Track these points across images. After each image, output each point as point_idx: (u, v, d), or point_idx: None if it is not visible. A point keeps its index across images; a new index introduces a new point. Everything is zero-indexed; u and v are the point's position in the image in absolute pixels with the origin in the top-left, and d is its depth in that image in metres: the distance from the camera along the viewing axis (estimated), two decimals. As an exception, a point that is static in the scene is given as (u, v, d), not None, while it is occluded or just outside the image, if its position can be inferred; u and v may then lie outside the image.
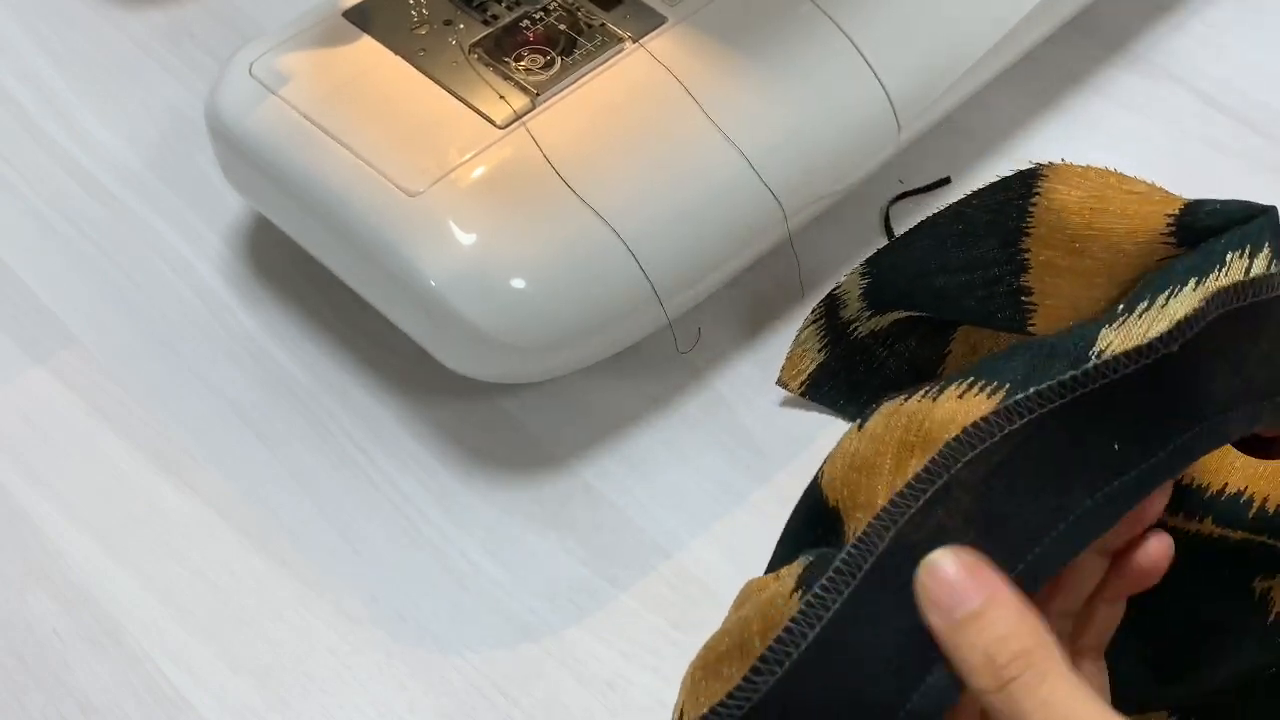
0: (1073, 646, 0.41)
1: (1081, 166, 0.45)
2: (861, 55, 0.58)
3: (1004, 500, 0.37)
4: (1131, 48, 0.69)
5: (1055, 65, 0.68)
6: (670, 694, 0.50)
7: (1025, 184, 0.46)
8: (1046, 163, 0.46)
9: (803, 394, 0.57)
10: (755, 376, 0.58)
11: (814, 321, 0.57)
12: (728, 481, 0.55)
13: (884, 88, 0.58)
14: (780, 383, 0.57)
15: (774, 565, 0.42)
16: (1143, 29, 0.70)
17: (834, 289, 0.57)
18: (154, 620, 0.52)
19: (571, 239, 0.52)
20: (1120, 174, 0.45)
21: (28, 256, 0.63)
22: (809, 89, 0.57)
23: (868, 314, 0.56)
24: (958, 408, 0.38)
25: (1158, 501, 0.40)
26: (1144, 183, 0.45)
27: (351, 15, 0.59)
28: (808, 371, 0.57)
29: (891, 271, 0.54)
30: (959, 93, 0.61)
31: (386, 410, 0.58)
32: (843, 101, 0.57)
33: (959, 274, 0.49)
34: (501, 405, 0.58)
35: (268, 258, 0.62)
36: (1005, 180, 0.47)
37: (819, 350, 0.57)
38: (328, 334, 0.60)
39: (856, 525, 0.39)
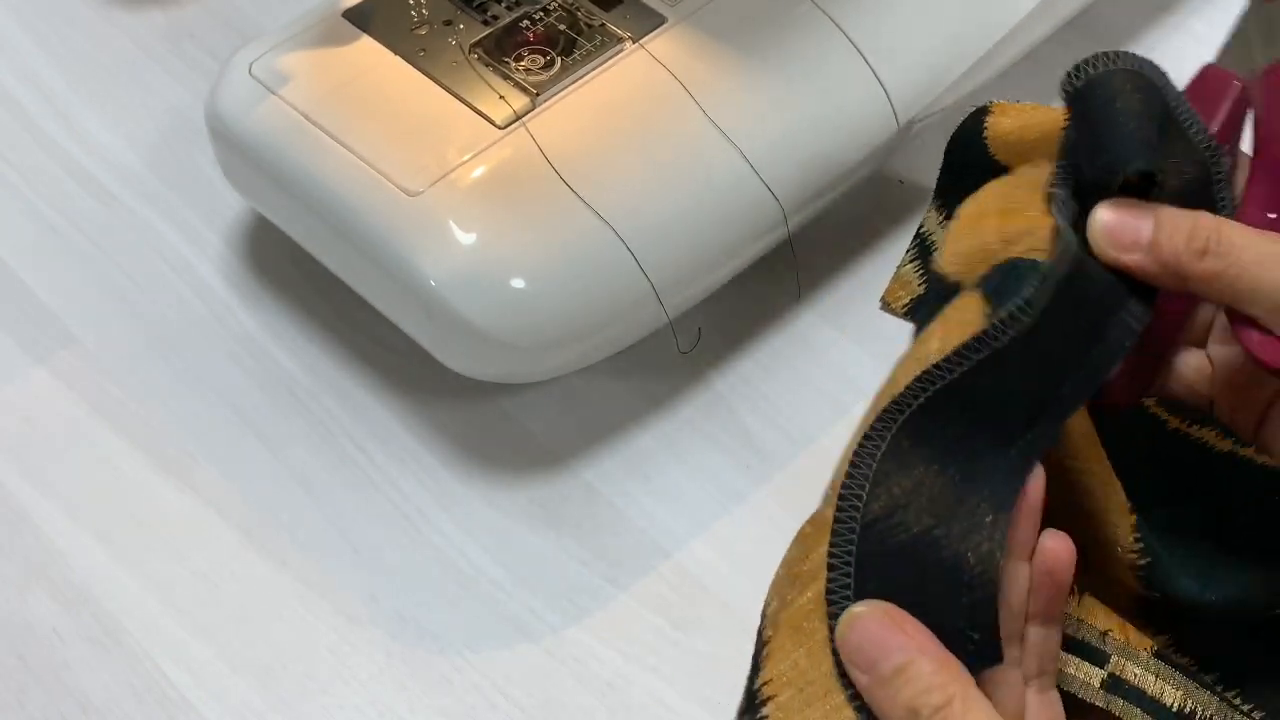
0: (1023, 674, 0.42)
1: (1025, 104, 0.53)
2: (861, 55, 0.58)
3: None
4: (1131, 48, 0.69)
5: (1055, 65, 0.67)
6: (670, 693, 0.51)
7: (977, 120, 0.53)
8: (992, 102, 0.54)
9: (905, 316, 0.58)
10: (755, 376, 0.58)
11: (911, 260, 0.58)
12: (728, 481, 0.55)
13: (884, 88, 0.58)
14: (883, 303, 0.58)
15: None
16: (1143, 29, 0.70)
17: (920, 228, 0.58)
18: (154, 620, 0.52)
19: (571, 239, 0.52)
20: (1053, 108, 0.51)
21: (28, 256, 0.63)
22: (809, 89, 0.57)
23: None
24: (1035, 175, 0.47)
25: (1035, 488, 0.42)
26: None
27: (351, 15, 0.59)
28: (908, 299, 0.58)
29: (959, 194, 0.57)
30: (959, 93, 0.61)
31: (386, 410, 0.58)
32: (843, 101, 0.57)
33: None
34: (501, 405, 0.58)
35: (268, 258, 0.62)
36: (965, 119, 0.54)
37: (919, 285, 0.58)
38: (328, 334, 0.60)
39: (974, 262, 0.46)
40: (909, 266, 0.59)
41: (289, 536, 0.54)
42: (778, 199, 0.55)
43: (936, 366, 0.41)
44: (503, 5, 0.59)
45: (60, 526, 0.55)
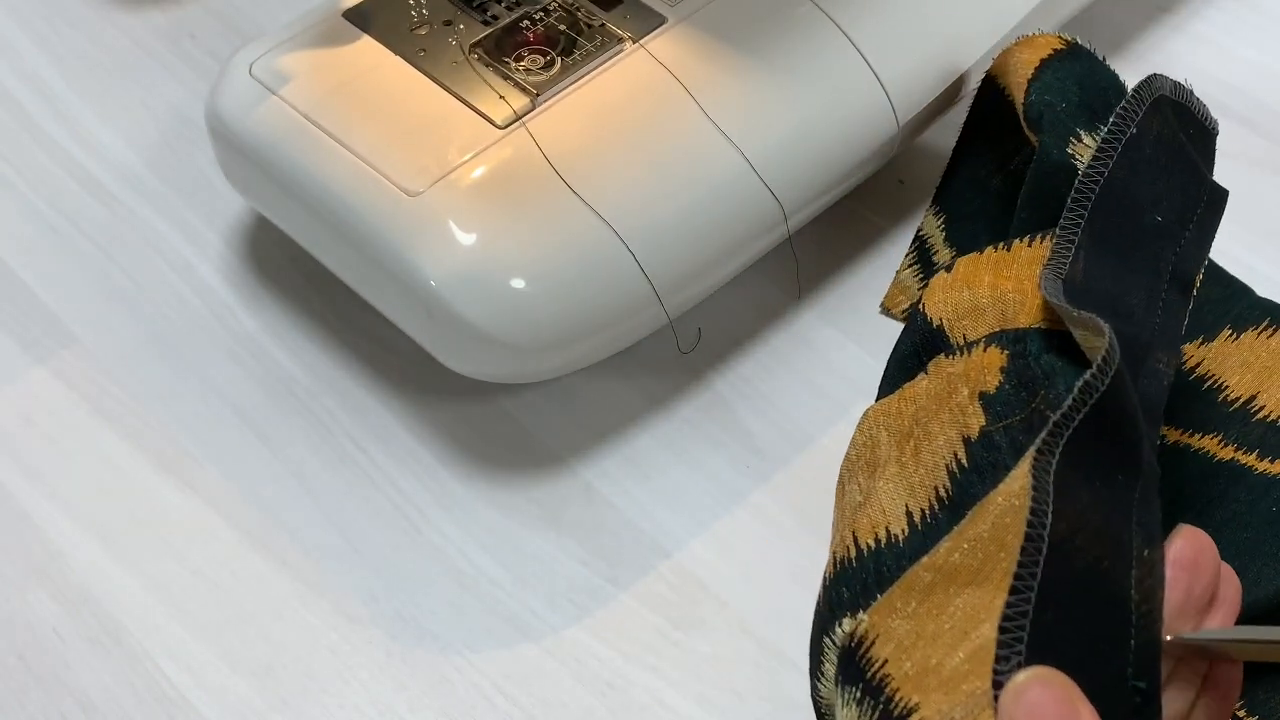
0: None
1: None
2: (861, 55, 0.58)
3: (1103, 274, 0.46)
4: (1131, 48, 0.69)
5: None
6: (670, 693, 0.51)
7: (986, 82, 0.58)
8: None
9: (904, 320, 0.58)
10: (755, 376, 0.58)
11: (910, 265, 0.59)
12: (728, 481, 0.55)
13: (884, 88, 0.58)
14: (883, 308, 0.59)
15: (885, 388, 0.49)
16: (1142, 29, 0.70)
17: (919, 230, 0.59)
18: (154, 620, 0.52)
19: (571, 239, 0.52)
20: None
21: (28, 256, 0.63)
22: (809, 89, 0.57)
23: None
24: (1034, 251, 0.48)
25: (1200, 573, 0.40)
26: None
27: (351, 15, 0.59)
28: (908, 305, 0.59)
29: (957, 198, 0.59)
30: (960, 92, 0.61)
31: (386, 410, 0.58)
32: (843, 101, 0.58)
33: (1000, 168, 0.57)
34: (501, 405, 0.58)
35: (268, 258, 0.62)
36: (978, 89, 0.58)
37: (918, 290, 0.58)
38: (328, 334, 0.60)
39: (964, 329, 0.47)
40: (908, 271, 0.60)
41: (289, 536, 0.54)
42: (778, 199, 0.56)
43: (1086, 384, 0.39)
44: (503, 5, 0.59)
45: (60, 526, 0.55)
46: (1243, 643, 0.39)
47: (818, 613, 0.42)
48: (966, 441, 0.42)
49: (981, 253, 0.50)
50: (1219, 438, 0.50)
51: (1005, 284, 0.47)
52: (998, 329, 0.46)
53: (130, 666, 0.51)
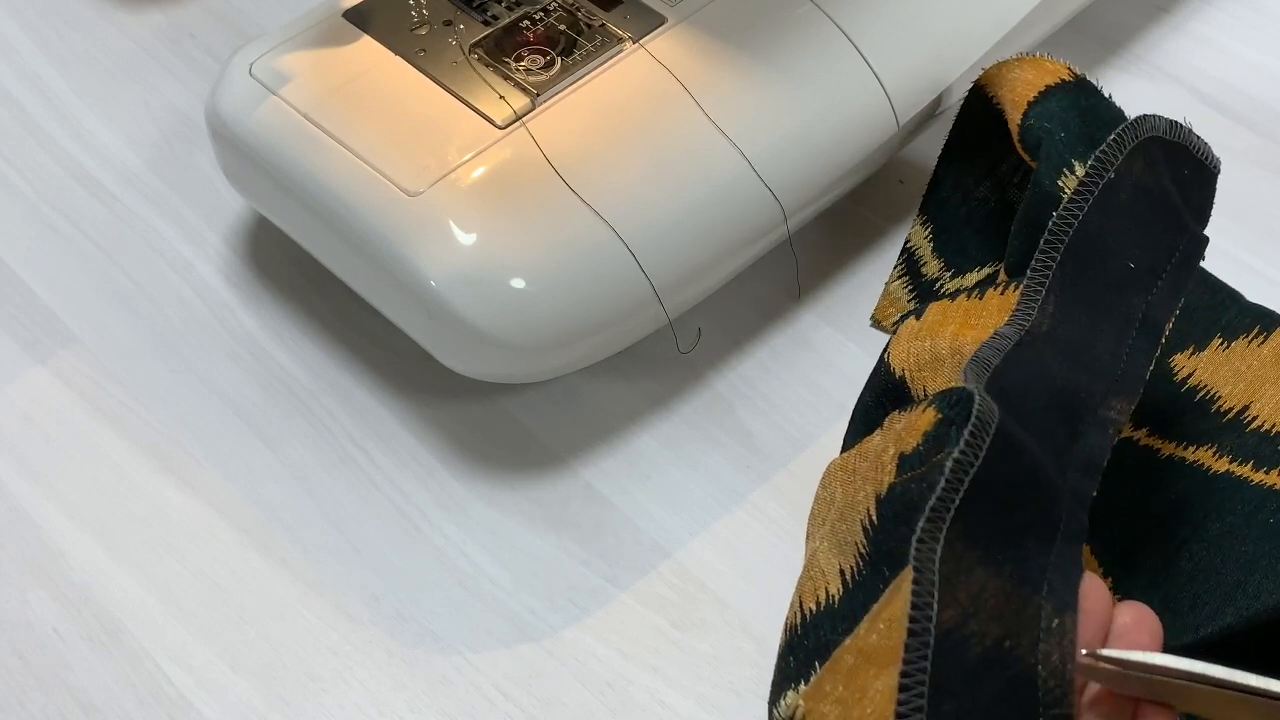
0: None
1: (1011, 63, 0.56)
2: (861, 55, 0.58)
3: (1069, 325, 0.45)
4: (1131, 48, 0.69)
5: (1055, 65, 0.67)
6: (670, 693, 0.51)
7: (974, 92, 0.58)
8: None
9: (894, 331, 0.58)
10: (755, 376, 0.58)
11: (899, 277, 0.59)
12: (728, 481, 0.56)
13: (884, 88, 0.58)
14: (873, 321, 0.59)
15: (849, 442, 0.49)
16: (1142, 29, 0.70)
17: (906, 242, 0.60)
18: (154, 620, 0.52)
19: (571, 239, 0.53)
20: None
21: (28, 256, 0.63)
22: (809, 89, 0.57)
23: (950, 273, 0.57)
24: (1006, 299, 0.47)
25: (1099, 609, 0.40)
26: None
27: (351, 15, 0.59)
28: (899, 316, 0.58)
29: (943, 207, 0.59)
30: (959, 93, 0.61)
31: (386, 410, 0.58)
32: (843, 101, 0.58)
33: (987, 174, 0.57)
34: (501, 405, 0.58)
35: (268, 258, 0.62)
36: (965, 99, 0.59)
37: (908, 301, 0.58)
38: (328, 334, 0.60)
39: (924, 381, 0.46)
40: (898, 283, 0.60)
41: (289, 536, 0.54)
42: (778, 199, 0.56)
43: (961, 454, 0.39)
44: (503, 5, 0.59)
45: (60, 526, 0.55)
46: (1167, 680, 0.38)
47: (773, 682, 0.43)
48: (877, 498, 0.43)
49: (954, 300, 0.50)
50: (1213, 449, 0.50)
51: (968, 333, 0.47)
52: (951, 384, 0.45)
53: (130, 666, 0.51)
